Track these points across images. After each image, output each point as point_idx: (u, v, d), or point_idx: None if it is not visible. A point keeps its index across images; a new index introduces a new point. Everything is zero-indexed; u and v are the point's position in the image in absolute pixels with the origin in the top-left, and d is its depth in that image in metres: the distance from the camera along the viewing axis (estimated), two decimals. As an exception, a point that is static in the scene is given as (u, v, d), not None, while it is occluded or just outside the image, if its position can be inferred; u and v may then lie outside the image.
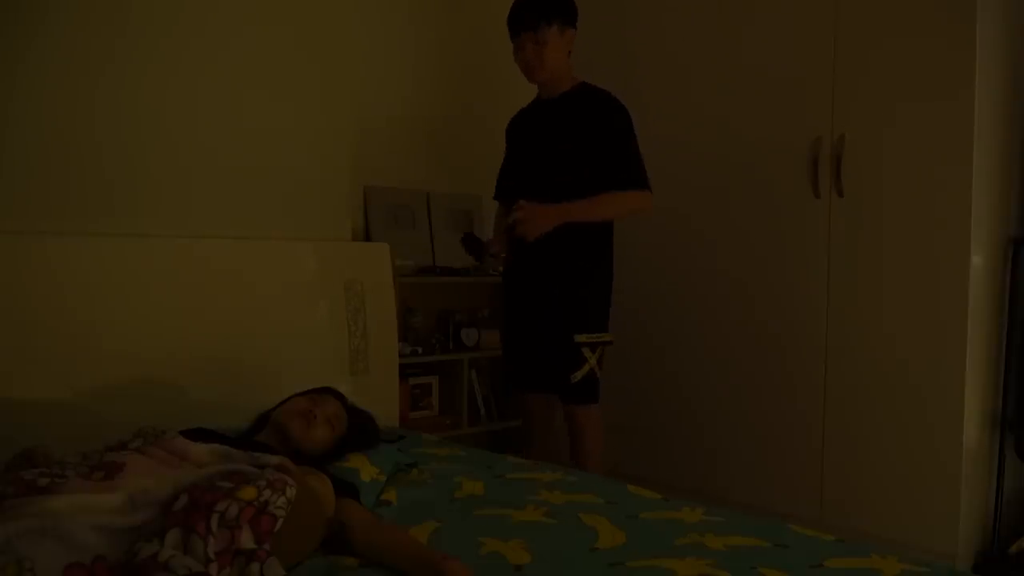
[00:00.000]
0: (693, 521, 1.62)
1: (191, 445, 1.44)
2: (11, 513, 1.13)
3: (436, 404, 3.08)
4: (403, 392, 2.81)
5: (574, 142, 2.33)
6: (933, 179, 2.34)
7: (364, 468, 1.76)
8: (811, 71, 2.59)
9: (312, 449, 1.70)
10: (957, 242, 2.29)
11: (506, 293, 2.56)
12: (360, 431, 1.85)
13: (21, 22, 1.99)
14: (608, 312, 2.43)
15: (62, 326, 1.92)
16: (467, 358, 3.05)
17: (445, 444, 2.33)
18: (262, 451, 1.49)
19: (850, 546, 1.50)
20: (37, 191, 2.05)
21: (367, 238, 2.89)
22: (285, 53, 2.50)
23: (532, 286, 2.44)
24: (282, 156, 2.51)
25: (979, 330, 2.33)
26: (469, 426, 3.06)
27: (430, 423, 2.96)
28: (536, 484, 1.87)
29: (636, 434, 3.06)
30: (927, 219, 2.36)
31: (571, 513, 1.66)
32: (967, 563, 2.36)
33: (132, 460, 1.35)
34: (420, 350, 2.92)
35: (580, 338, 2.35)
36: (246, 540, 1.19)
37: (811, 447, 2.62)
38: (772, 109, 2.69)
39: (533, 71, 2.38)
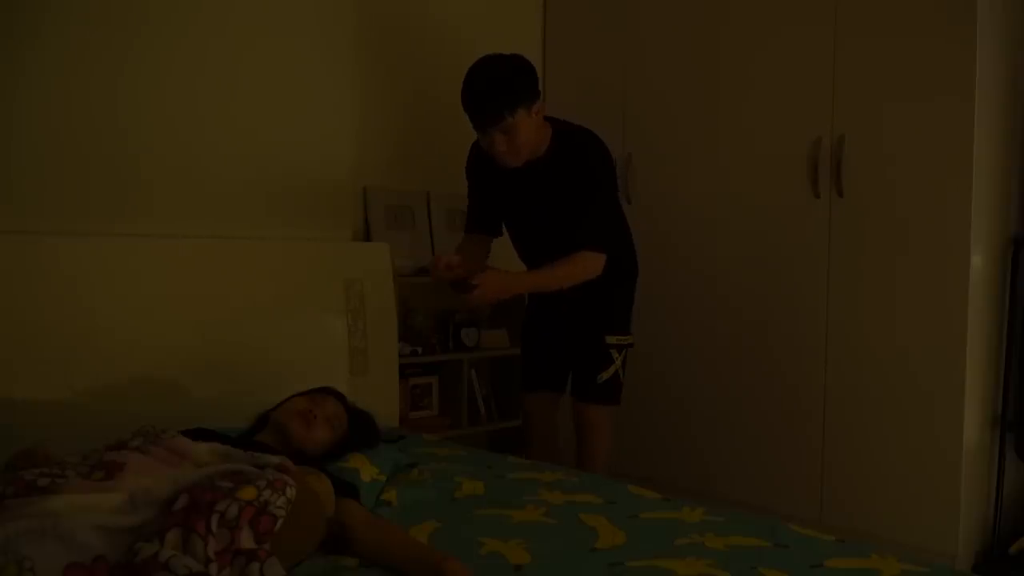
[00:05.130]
0: (693, 521, 1.63)
1: (191, 444, 1.44)
2: (11, 513, 1.14)
3: (436, 404, 3.07)
4: (403, 392, 2.81)
5: (564, 206, 2.25)
6: (933, 179, 2.34)
7: (364, 468, 1.76)
8: (811, 71, 2.59)
9: (312, 449, 1.70)
10: (957, 242, 2.29)
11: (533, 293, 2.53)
12: (360, 431, 1.85)
13: (22, 23, 2.00)
14: (632, 315, 2.43)
15: (62, 326, 1.92)
16: (467, 358, 3.04)
17: (445, 444, 2.33)
18: (262, 451, 1.49)
19: (850, 546, 1.50)
20: (37, 191, 2.05)
21: (367, 238, 2.89)
22: (285, 54, 2.50)
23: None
24: (282, 156, 2.51)
25: (979, 330, 2.33)
26: (469, 426, 3.05)
27: (430, 423, 2.95)
28: (536, 484, 1.87)
29: (636, 434, 3.06)
30: (927, 219, 2.36)
31: (571, 513, 1.66)
32: (967, 563, 2.36)
33: (132, 460, 1.35)
34: (420, 350, 2.91)
35: (610, 339, 2.36)
36: (246, 540, 1.19)
37: (811, 447, 2.62)
38: (772, 109, 2.69)
39: (508, 161, 2.17)
